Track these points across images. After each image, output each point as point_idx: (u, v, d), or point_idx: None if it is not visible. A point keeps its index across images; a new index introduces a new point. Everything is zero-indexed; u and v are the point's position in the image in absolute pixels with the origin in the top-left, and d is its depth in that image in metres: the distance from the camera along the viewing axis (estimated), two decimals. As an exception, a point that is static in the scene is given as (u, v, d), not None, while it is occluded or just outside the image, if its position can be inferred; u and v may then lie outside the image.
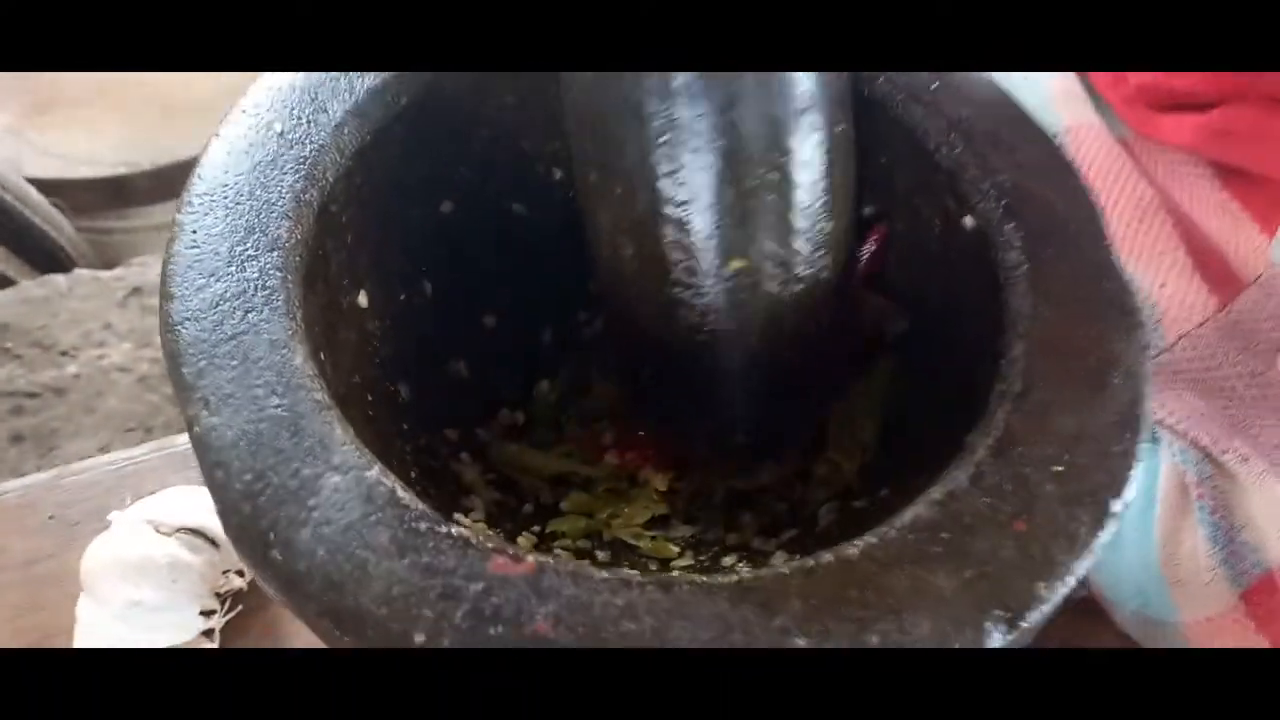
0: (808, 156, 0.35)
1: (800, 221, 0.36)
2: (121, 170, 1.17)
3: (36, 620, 0.52)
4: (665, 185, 0.34)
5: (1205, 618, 0.45)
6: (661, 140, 0.33)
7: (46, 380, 0.85)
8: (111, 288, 0.94)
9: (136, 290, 0.94)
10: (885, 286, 0.42)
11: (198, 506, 0.50)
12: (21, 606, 0.52)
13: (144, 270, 0.99)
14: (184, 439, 0.47)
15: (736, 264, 0.36)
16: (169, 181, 1.16)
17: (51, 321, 0.90)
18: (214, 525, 0.49)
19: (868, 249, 0.42)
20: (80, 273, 0.98)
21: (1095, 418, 0.30)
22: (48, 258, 1.06)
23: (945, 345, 0.38)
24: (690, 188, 0.34)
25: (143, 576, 0.47)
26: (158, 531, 0.49)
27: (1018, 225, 0.34)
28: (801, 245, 0.36)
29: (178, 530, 0.49)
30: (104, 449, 0.81)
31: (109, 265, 1.06)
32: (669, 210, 0.35)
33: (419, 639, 0.25)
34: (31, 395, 0.84)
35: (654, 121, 0.33)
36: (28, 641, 0.51)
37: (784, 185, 0.35)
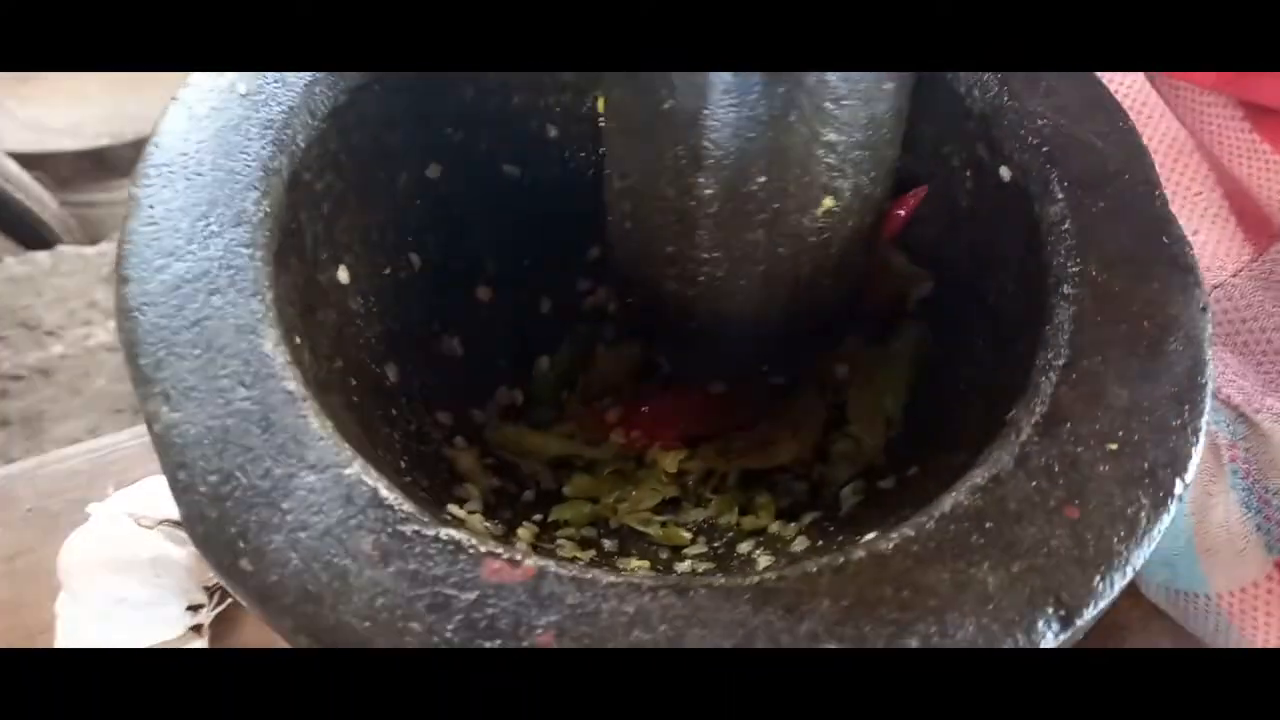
0: (894, 94, 0.32)
1: (885, 151, 0.34)
2: (104, 141, 1.13)
3: (18, 618, 0.49)
4: (754, 116, 0.31)
5: (1239, 588, 0.42)
6: (750, 96, 0.30)
7: (32, 362, 0.82)
8: (95, 264, 0.92)
9: (122, 266, 0.91)
10: (909, 245, 0.39)
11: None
12: (2, 603, 0.50)
13: (129, 245, 0.96)
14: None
15: (828, 203, 0.33)
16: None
17: (35, 301, 0.87)
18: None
19: (903, 209, 0.38)
20: (63, 249, 0.95)
21: (1152, 389, 0.27)
22: (31, 233, 1.03)
23: (977, 310, 0.35)
24: (783, 122, 0.31)
25: (125, 572, 0.45)
26: (139, 524, 0.46)
27: (1060, 175, 0.31)
28: (880, 178, 0.34)
29: (160, 522, 0.46)
30: (93, 431, 0.79)
31: (95, 239, 1.03)
32: (749, 147, 0.31)
33: (406, 657, 0.22)
34: (17, 378, 0.81)
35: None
36: (10, 640, 0.49)
37: (874, 125, 0.32)
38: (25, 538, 0.52)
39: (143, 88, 1.17)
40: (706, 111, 0.30)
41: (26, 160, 1.08)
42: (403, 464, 0.34)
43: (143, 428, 0.59)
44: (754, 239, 0.33)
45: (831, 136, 0.31)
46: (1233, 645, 0.43)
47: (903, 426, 0.37)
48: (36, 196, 1.04)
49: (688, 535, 0.36)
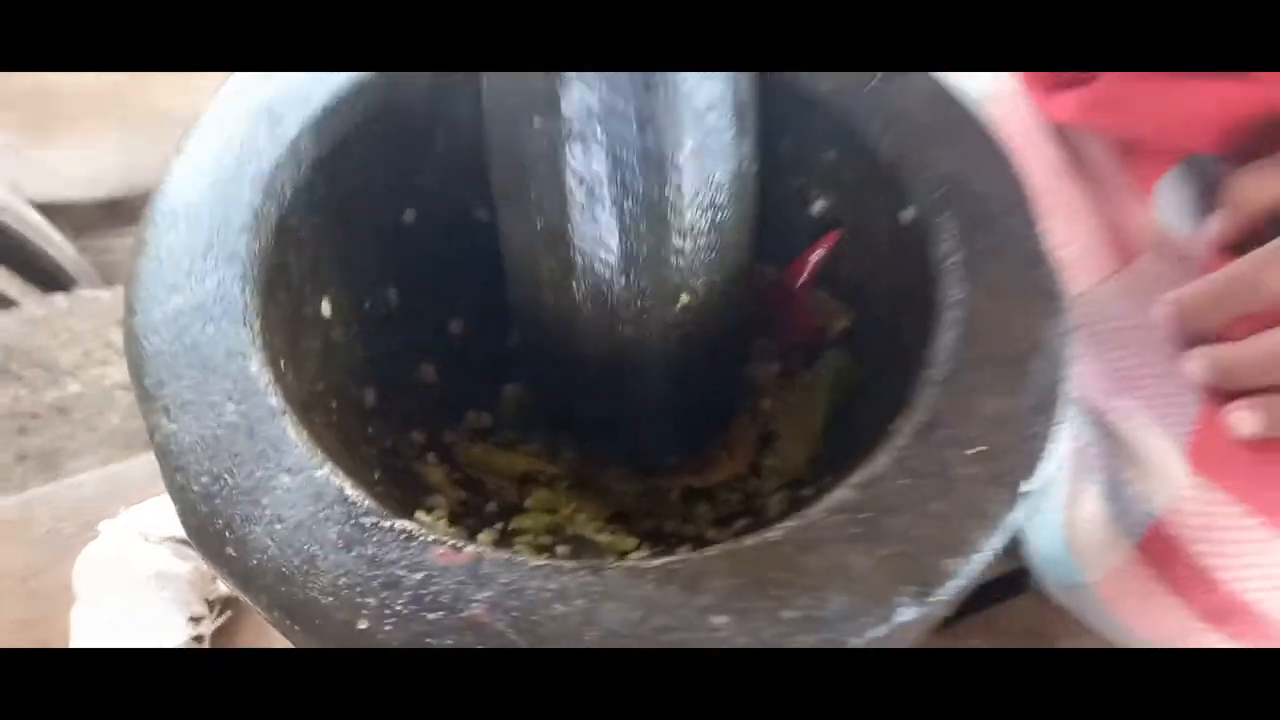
0: (732, 203, 0.37)
1: (731, 255, 0.38)
2: (119, 192, 1.19)
3: (35, 634, 0.53)
4: (609, 228, 0.35)
5: (1109, 573, 0.45)
6: (602, 185, 0.34)
7: (50, 400, 0.87)
8: (110, 307, 0.97)
9: (136, 308, 0.95)
10: (835, 282, 0.43)
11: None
12: (19, 621, 0.54)
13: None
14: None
15: (685, 299, 0.37)
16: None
17: (52, 342, 0.92)
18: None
19: (820, 253, 0.43)
20: (81, 293, 1.01)
21: (1016, 402, 0.31)
22: (49, 277, 1.08)
23: (889, 338, 0.39)
24: (635, 232, 0.35)
25: (131, 585, 0.49)
26: (146, 540, 0.50)
27: (952, 215, 0.35)
28: (733, 277, 0.38)
29: (166, 539, 0.50)
30: (107, 466, 0.83)
31: (110, 283, 1.08)
32: (608, 255, 0.36)
33: (362, 625, 0.27)
34: (35, 415, 0.86)
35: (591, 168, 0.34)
36: (26, 652, 0.52)
37: (718, 232, 0.37)
38: (41, 558, 0.56)
39: (158, 134, 1.21)
40: (569, 228, 0.35)
41: (46, 208, 1.14)
42: (376, 476, 0.38)
43: (152, 457, 0.63)
44: (625, 333, 0.38)
45: (678, 243, 0.36)
46: (1110, 630, 0.46)
47: (826, 444, 0.41)
48: (55, 242, 1.09)
49: (634, 542, 0.40)
